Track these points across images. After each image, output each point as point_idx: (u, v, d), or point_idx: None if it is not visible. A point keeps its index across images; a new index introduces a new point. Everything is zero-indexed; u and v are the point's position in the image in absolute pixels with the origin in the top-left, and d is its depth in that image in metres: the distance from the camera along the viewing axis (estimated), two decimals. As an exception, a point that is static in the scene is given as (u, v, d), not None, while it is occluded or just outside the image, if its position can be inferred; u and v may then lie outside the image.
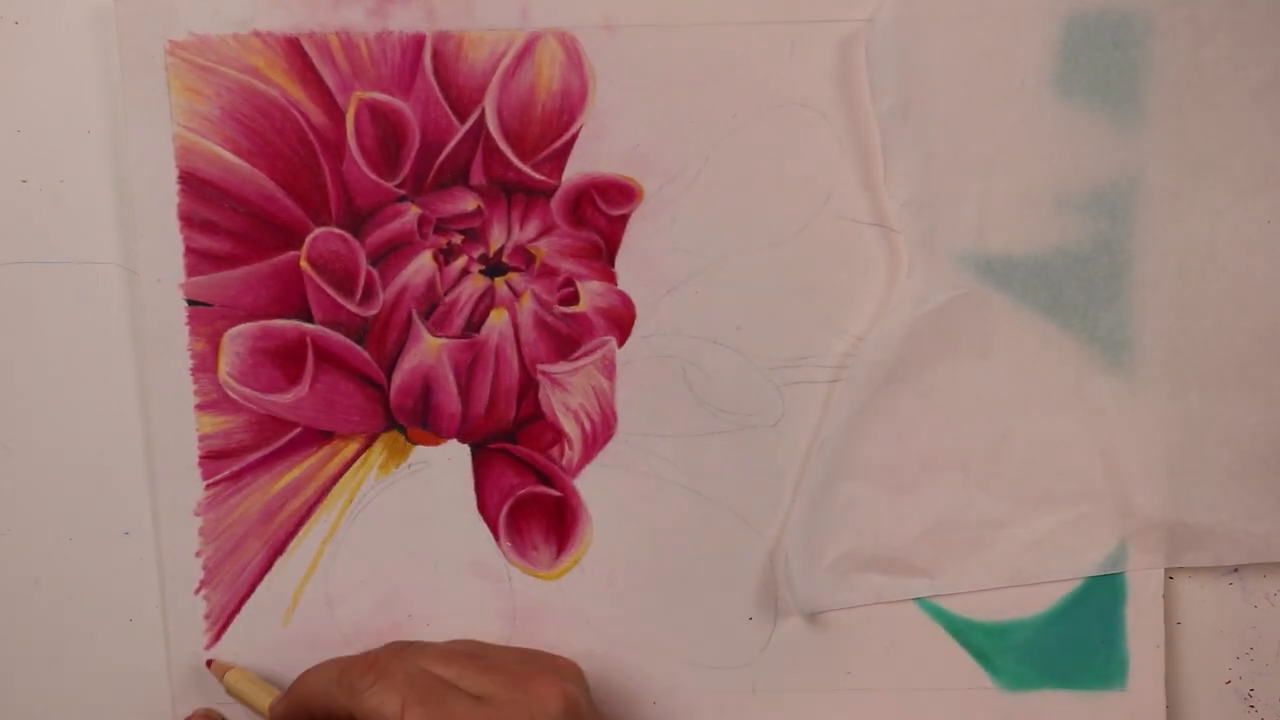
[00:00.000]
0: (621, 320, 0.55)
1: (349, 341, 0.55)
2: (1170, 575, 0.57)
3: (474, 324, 0.55)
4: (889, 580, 0.57)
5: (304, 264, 0.54)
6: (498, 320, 0.55)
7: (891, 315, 0.55)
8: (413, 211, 0.54)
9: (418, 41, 0.53)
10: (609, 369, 0.55)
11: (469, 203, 0.55)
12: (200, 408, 0.55)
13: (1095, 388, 0.56)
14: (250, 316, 0.54)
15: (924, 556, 0.56)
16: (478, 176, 0.54)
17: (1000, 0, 0.53)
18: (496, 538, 0.56)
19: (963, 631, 0.57)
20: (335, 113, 0.54)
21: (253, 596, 0.56)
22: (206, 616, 0.55)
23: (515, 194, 0.55)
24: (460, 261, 0.55)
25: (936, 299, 0.55)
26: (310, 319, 0.55)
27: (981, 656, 0.57)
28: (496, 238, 0.55)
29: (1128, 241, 0.55)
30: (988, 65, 0.54)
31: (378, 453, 0.55)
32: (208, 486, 0.55)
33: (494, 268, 0.55)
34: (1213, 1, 0.53)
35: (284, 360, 0.55)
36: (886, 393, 0.55)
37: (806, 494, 0.56)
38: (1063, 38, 0.54)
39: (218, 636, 0.56)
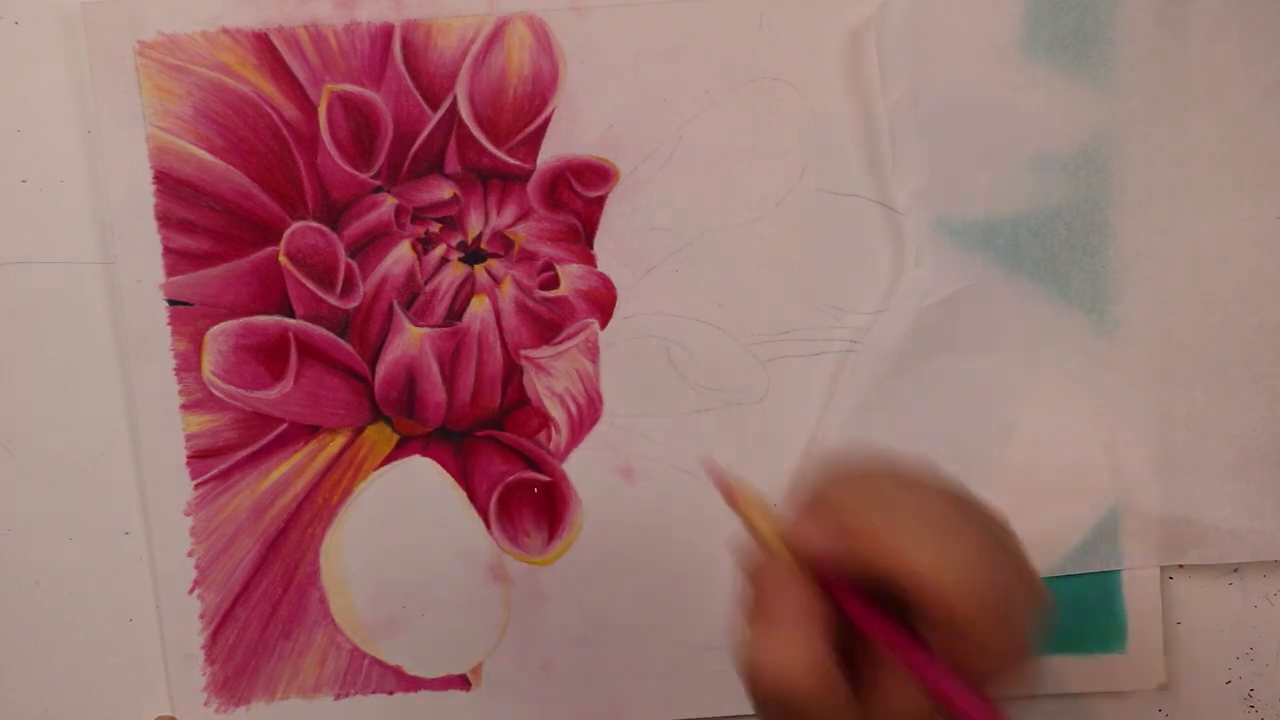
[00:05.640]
0: (603, 302, 0.55)
1: (331, 335, 0.55)
2: (1170, 575, 0.57)
3: (455, 312, 0.55)
4: None
5: (283, 259, 0.54)
6: (479, 307, 0.55)
7: (897, 307, 0.55)
8: (389, 202, 0.54)
9: (386, 31, 0.53)
10: (592, 351, 0.55)
11: (445, 191, 0.54)
12: (185, 407, 0.55)
13: (1100, 382, 0.55)
14: (232, 314, 0.54)
15: None
16: (452, 164, 0.54)
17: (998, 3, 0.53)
18: (488, 525, 0.56)
19: (959, 600, 0.57)
20: (307, 106, 0.54)
21: (247, 594, 0.56)
22: (201, 616, 0.56)
23: (491, 180, 0.54)
24: (439, 250, 0.55)
25: (942, 291, 0.55)
26: (292, 314, 0.55)
27: (979, 624, 0.57)
28: (474, 225, 0.55)
29: (1135, 236, 0.55)
30: (998, 57, 0.53)
31: (365, 445, 0.55)
32: (197, 486, 0.55)
33: (473, 255, 0.55)
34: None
35: (267, 356, 0.55)
36: (890, 385, 0.55)
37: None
38: (1074, 29, 0.53)
39: (214, 636, 0.56)
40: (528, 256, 0.55)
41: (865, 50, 0.54)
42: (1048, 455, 0.56)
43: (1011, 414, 0.56)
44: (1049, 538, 0.56)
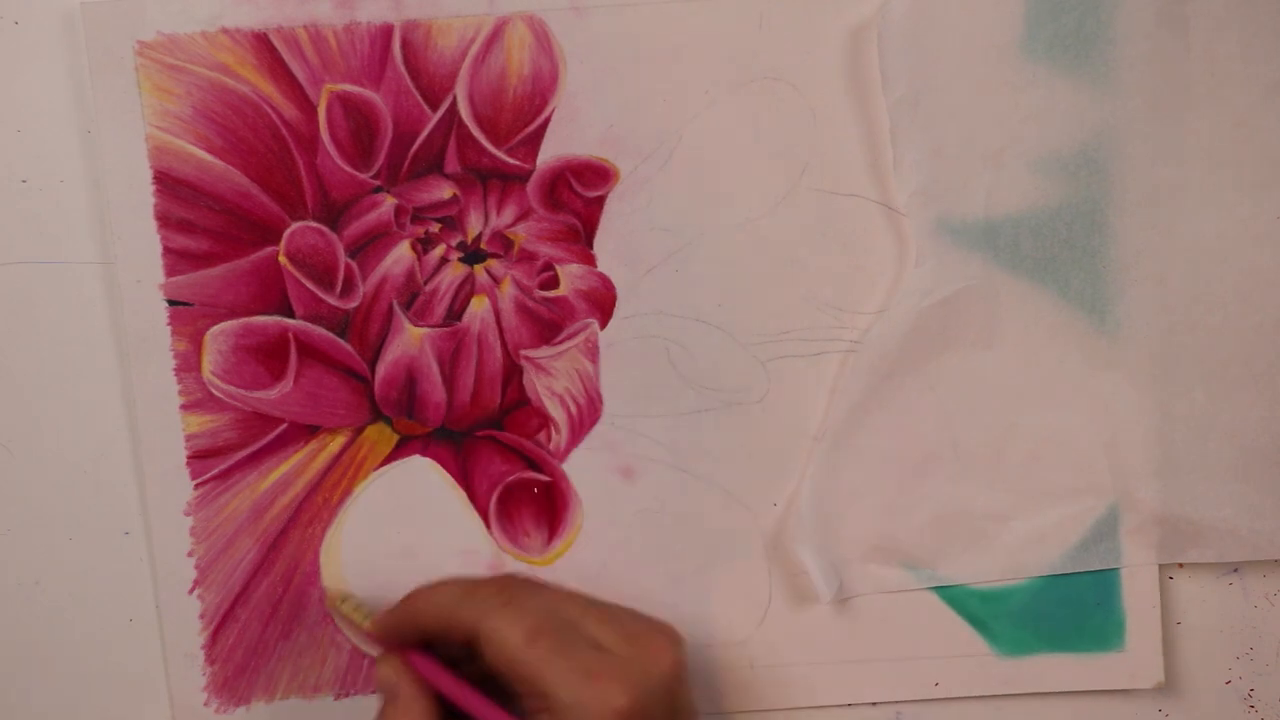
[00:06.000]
0: (602, 302, 0.55)
1: (331, 335, 0.55)
2: (1170, 575, 0.57)
3: (455, 312, 0.55)
4: (892, 571, 0.56)
5: (283, 259, 0.54)
6: (479, 307, 0.55)
7: (898, 306, 0.55)
8: (389, 202, 0.54)
9: (386, 31, 0.53)
10: (592, 351, 0.55)
11: (445, 191, 0.54)
12: (185, 408, 0.55)
13: (1100, 381, 0.55)
14: (231, 314, 0.54)
15: (927, 548, 0.56)
16: (452, 164, 0.54)
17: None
18: (488, 525, 0.56)
19: (958, 599, 0.57)
20: (307, 106, 0.54)
21: (247, 594, 0.56)
22: (201, 616, 0.56)
23: (490, 180, 0.54)
24: (439, 250, 0.55)
25: (943, 290, 0.55)
26: (291, 314, 0.55)
27: (978, 623, 0.57)
28: (474, 225, 0.55)
29: (1136, 236, 0.55)
30: (998, 57, 0.54)
31: (365, 445, 0.55)
32: (197, 486, 0.55)
33: (473, 255, 0.55)
34: (1224, -1, 0.53)
35: (267, 356, 0.55)
36: (891, 384, 0.55)
37: (810, 485, 0.56)
38: (1075, 28, 0.53)
39: (214, 636, 0.56)
40: (527, 256, 0.55)
41: (865, 50, 0.54)
42: (1048, 454, 0.56)
43: (1011, 413, 0.56)
44: (1048, 536, 0.56)
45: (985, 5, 0.53)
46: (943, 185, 0.54)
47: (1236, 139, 0.54)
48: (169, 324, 0.54)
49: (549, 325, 0.55)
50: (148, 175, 0.54)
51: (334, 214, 0.54)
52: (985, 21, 0.53)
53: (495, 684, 0.49)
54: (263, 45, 0.53)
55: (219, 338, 0.54)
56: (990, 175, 0.54)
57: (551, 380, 0.55)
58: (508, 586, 0.50)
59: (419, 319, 0.55)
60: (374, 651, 0.54)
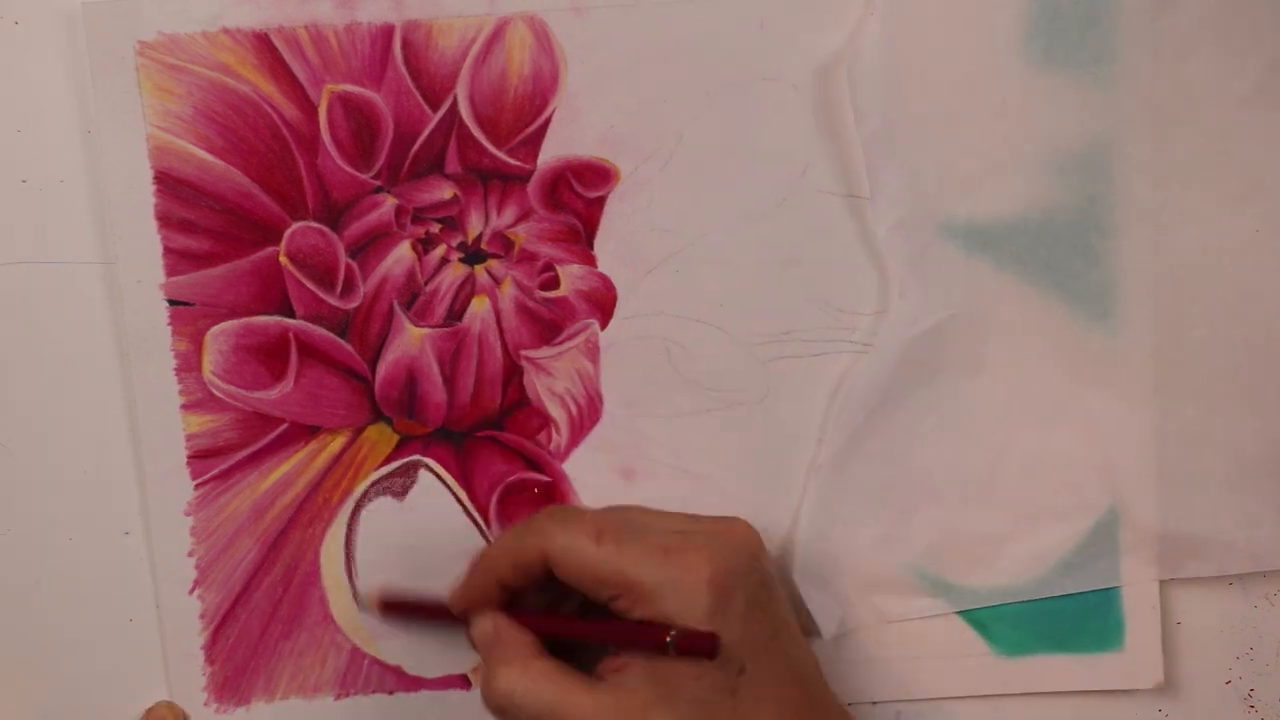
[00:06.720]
0: (603, 302, 0.55)
1: (331, 335, 0.55)
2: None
3: (456, 312, 0.55)
4: (894, 600, 0.56)
5: (283, 259, 0.54)
6: (479, 308, 0.55)
7: (885, 337, 0.55)
8: (389, 202, 0.54)
9: (387, 31, 0.53)
10: (592, 352, 0.55)
11: (445, 191, 0.54)
12: (186, 407, 0.55)
13: (1091, 401, 0.55)
14: (232, 314, 0.54)
15: (927, 576, 0.56)
16: (453, 164, 0.54)
17: (982, 21, 0.53)
18: (488, 525, 0.56)
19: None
20: (307, 106, 0.54)
21: (247, 594, 0.56)
22: (202, 616, 0.56)
23: (491, 180, 0.54)
24: (439, 250, 0.55)
25: (929, 320, 0.55)
26: (292, 314, 0.55)
27: (978, 624, 0.57)
28: (474, 225, 0.55)
29: (1118, 255, 0.55)
30: (969, 86, 0.54)
31: (365, 445, 0.55)
32: (197, 486, 0.55)
33: (473, 255, 0.55)
34: (1194, 13, 0.53)
35: (267, 356, 0.55)
36: (882, 414, 0.55)
37: (807, 521, 0.56)
38: (1044, 52, 0.53)
39: (214, 636, 0.56)
40: (528, 257, 0.55)
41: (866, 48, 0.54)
42: (1043, 476, 0.56)
43: (1004, 435, 0.56)
44: (1047, 556, 0.56)
45: (956, 37, 0.53)
46: (923, 216, 0.54)
47: (1213, 154, 0.54)
48: (169, 324, 0.54)
49: (549, 325, 0.55)
50: (148, 175, 0.54)
51: (335, 214, 0.54)
52: (956, 54, 0.53)
53: (590, 612, 0.50)
54: (263, 45, 0.53)
55: (219, 338, 0.55)
56: (970, 201, 0.54)
57: (552, 380, 0.56)
58: (559, 510, 0.51)
59: (419, 319, 0.55)
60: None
